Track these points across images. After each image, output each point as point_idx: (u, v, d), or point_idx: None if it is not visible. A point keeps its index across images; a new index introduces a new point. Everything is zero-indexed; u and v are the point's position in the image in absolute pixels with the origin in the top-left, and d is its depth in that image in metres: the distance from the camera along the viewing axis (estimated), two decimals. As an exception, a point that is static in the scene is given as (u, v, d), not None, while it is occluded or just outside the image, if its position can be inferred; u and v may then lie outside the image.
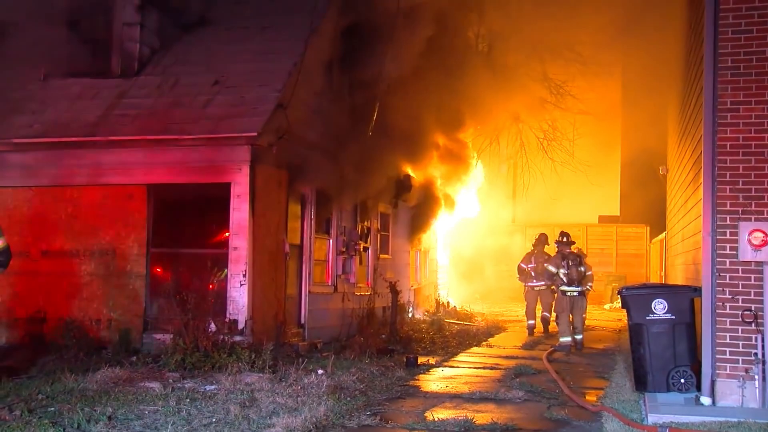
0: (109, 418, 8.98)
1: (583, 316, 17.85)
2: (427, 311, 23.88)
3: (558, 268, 17.77)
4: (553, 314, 19.18)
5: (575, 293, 17.56)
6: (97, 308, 14.24)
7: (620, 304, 11.72)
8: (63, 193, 14.63)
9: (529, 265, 20.58)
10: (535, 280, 20.43)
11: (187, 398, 10.01)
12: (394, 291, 18.59)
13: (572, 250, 18.24)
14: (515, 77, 28.77)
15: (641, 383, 10.94)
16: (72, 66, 15.83)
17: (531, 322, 20.42)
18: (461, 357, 15.72)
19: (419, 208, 23.18)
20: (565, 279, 17.60)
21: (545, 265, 19.09)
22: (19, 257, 12.50)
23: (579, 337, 17.46)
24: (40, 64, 15.94)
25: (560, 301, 17.85)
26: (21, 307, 14.48)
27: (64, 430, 8.48)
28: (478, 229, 33.10)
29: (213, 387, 10.79)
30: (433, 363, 14.46)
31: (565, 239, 18.25)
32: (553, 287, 18.83)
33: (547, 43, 28.45)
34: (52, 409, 9.46)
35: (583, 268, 17.66)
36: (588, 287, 17.90)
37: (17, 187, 14.92)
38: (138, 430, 8.51)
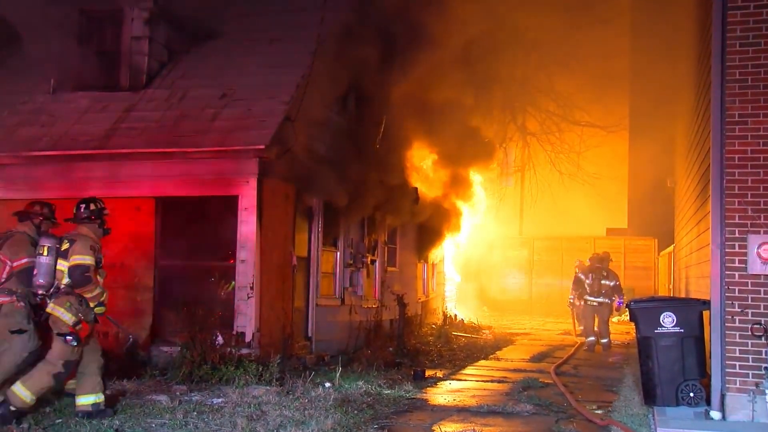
0: (116, 431, 9.03)
1: (607, 323, 20.05)
2: (434, 324, 23.86)
3: (585, 277, 20.30)
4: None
5: (595, 303, 19.96)
6: (104, 321, 14.19)
7: (629, 317, 11.68)
8: (72, 206, 14.58)
9: (587, 281, 20.37)
10: (591, 296, 20.26)
11: (194, 411, 10.04)
12: (402, 304, 18.57)
13: (603, 266, 20.27)
14: (524, 89, 28.89)
15: (650, 397, 10.88)
16: (81, 79, 15.90)
17: (591, 338, 20.02)
18: (469, 370, 15.71)
19: (427, 220, 23.18)
20: (588, 289, 20.06)
21: (579, 276, 20.93)
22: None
23: (604, 340, 19.82)
24: (49, 77, 16.01)
25: (585, 309, 20.37)
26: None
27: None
28: (485, 241, 33.11)
29: (220, 400, 10.81)
30: (441, 376, 14.47)
31: (598, 254, 20.91)
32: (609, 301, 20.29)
33: (554, 54, 28.56)
34: (60, 421, 9.51)
35: (606, 282, 19.97)
36: (613, 299, 19.95)
37: (26, 200, 14.90)
38: (145, 444, 8.56)
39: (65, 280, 9.63)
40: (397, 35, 18.25)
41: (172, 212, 14.59)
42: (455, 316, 25.83)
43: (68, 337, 9.48)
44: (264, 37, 16.55)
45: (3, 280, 9.90)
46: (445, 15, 19.71)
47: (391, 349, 17.04)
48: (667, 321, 10.82)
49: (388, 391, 12.14)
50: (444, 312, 25.93)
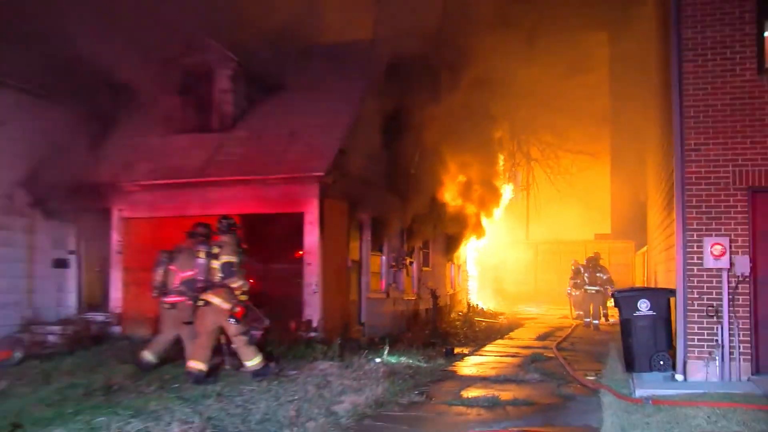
0: (218, 394, 9.32)
1: (600, 307, 21.33)
2: (460, 312, 23.99)
3: (584, 272, 21.95)
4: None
5: (593, 291, 21.41)
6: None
7: (613, 304, 11.84)
8: (178, 222, 14.84)
9: (586, 274, 22.03)
10: (589, 286, 21.83)
11: (275, 381, 10.23)
12: (435, 296, 18.72)
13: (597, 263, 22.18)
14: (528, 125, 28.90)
15: (630, 366, 10.99)
16: (182, 123, 16.18)
17: (587, 319, 21.36)
18: (488, 347, 15.80)
19: (454, 229, 23.31)
20: (587, 280, 21.55)
21: (579, 268, 22.66)
22: (142, 272, 13.32)
23: (595, 321, 20.90)
24: (158, 122, 16.32)
25: (584, 296, 21.76)
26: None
27: (186, 401, 8.86)
28: (499, 245, 33.17)
29: (295, 372, 10.97)
30: (467, 353, 14.59)
31: (592, 255, 22.83)
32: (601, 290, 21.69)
33: (549, 96, 28.61)
34: (177, 385, 9.90)
35: (599, 274, 21.60)
36: (606, 288, 21.22)
37: (144, 218, 15.40)
38: (239, 404, 8.79)
39: (219, 275, 10.43)
40: (431, 80, 18.41)
41: (253, 225, 14.84)
42: (477, 305, 25.91)
43: (231, 320, 10.37)
44: (323, 88, 16.47)
45: (177, 285, 11.00)
46: (469, 61, 19.76)
47: (426, 332, 17.12)
48: (643, 306, 10.94)
49: (426, 365, 12.27)
50: (468, 302, 25.99)
